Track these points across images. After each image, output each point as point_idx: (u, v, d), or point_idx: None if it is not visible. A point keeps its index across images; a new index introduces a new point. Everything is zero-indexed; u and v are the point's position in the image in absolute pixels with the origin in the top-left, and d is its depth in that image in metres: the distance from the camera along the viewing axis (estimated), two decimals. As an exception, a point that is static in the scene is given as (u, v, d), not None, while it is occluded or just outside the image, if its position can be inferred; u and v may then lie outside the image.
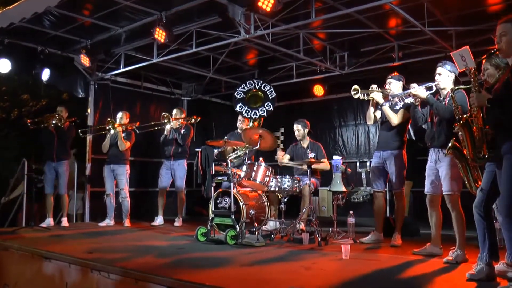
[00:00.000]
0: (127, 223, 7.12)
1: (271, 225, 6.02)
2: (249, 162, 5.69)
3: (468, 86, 3.17)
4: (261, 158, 5.82)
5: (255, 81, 7.14)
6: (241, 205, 5.29)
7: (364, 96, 5.06)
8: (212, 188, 5.53)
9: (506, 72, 2.96)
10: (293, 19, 6.15)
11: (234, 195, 5.27)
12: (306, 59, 7.59)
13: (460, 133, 3.23)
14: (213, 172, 5.61)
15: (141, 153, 8.21)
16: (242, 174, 5.58)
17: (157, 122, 7.45)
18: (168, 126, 7.20)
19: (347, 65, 7.89)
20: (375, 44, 7.40)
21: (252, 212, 5.29)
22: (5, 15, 5.89)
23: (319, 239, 4.93)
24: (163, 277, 3.28)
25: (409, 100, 4.46)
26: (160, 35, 6.23)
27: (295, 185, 5.62)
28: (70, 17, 6.45)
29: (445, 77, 4.17)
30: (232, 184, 5.28)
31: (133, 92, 9.05)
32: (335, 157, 6.05)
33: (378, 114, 5.23)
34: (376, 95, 5.01)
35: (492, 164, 3.08)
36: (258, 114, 6.88)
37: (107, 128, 7.15)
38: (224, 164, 5.67)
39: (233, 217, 5.16)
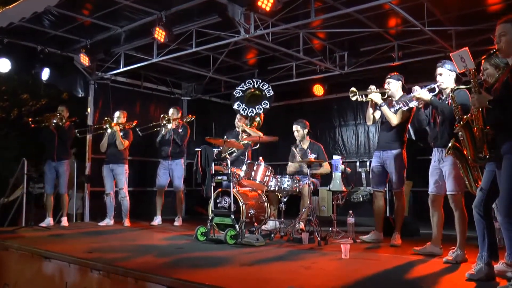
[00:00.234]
0: (126, 222, 7.13)
1: (270, 224, 6.02)
2: (248, 161, 5.69)
3: (468, 86, 3.17)
4: (260, 158, 5.82)
5: (254, 80, 7.16)
6: (240, 204, 5.30)
7: (362, 98, 5.05)
8: (212, 187, 5.54)
9: (505, 72, 2.96)
10: (293, 18, 6.15)
11: (233, 195, 5.28)
12: (306, 58, 7.59)
13: (460, 133, 3.23)
14: (213, 172, 5.62)
15: (139, 152, 8.20)
16: (242, 173, 5.58)
17: (157, 122, 7.43)
18: (167, 126, 7.20)
19: (347, 65, 7.89)
20: (375, 44, 7.40)
21: (252, 212, 5.29)
22: (5, 15, 5.89)
23: (318, 238, 4.93)
24: (162, 276, 3.27)
25: (413, 103, 4.45)
26: (160, 34, 6.23)
27: (295, 185, 5.62)
28: (70, 16, 6.45)
29: (446, 76, 4.16)
30: (231, 183, 5.28)
31: (133, 92, 9.05)
32: (335, 157, 6.04)
33: (378, 114, 5.22)
34: (375, 96, 5.01)
35: (493, 163, 3.08)
36: (254, 112, 6.90)
37: (104, 127, 7.15)
38: (224, 163, 5.67)
39: (232, 216, 5.17)
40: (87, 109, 8.24)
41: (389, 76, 5.11)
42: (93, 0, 6.13)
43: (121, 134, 7.14)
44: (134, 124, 7.30)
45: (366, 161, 8.46)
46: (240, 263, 3.91)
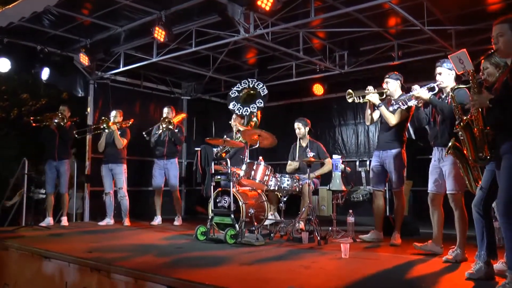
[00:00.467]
0: (126, 222, 7.13)
1: (270, 218, 5.99)
2: (248, 161, 5.69)
3: (468, 85, 3.17)
4: (260, 157, 5.82)
5: (249, 80, 7.18)
6: (240, 204, 5.30)
7: (359, 99, 5.05)
8: (212, 187, 5.54)
9: (505, 72, 2.96)
10: (293, 18, 6.14)
11: (233, 194, 5.28)
12: (306, 58, 7.59)
13: (460, 133, 3.24)
14: (213, 171, 5.62)
15: (137, 152, 8.18)
16: (242, 173, 5.58)
17: (159, 123, 7.43)
18: (160, 127, 7.22)
19: (347, 64, 7.89)
20: (375, 43, 7.40)
21: (252, 211, 5.29)
22: (5, 14, 5.88)
23: (318, 238, 4.93)
24: (162, 276, 3.28)
25: (412, 102, 4.46)
26: (159, 34, 6.23)
27: (295, 184, 5.62)
28: (70, 16, 6.45)
29: (445, 75, 4.16)
30: (231, 183, 5.28)
31: (133, 91, 9.06)
32: (335, 156, 6.05)
33: (376, 114, 5.22)
34: (372, 96, 5.00)
35: (493, 163, 3.08)
36: (249, 111, 6.91)
37: (102, 127, 7.15)
38: (224, 163, 5.67)
39: (232, 216, 5.17)
40: (87, 109, 8.25)
41: (387, 75, 5.11)
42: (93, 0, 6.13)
43: (118, 133, 7.14)
44: (130, 122, 7.31)
45: (366, 161, 8.47)
46: (240, 262, 3.91)
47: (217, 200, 5.46)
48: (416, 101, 4.34)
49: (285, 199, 5.56)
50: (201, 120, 10.25)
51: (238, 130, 6.70)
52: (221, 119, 9.85)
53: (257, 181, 5.52)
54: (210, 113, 10.23)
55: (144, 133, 7.29)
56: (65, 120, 7.00)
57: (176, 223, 7.21)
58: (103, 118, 7.27)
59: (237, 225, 5.08)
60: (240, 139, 6.36)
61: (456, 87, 3.80)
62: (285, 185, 5.59)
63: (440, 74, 4.18)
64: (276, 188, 5.63)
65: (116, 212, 7.29)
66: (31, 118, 7.13)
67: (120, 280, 3.57)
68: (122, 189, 7.18)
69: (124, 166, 7.24)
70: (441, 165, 4.13)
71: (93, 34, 7.23)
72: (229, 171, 5.34)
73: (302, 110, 9.31)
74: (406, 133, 5.20)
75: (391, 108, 4.89)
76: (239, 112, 7.05)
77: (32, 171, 7.76)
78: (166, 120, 7.20)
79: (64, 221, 7.11)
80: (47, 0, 5.50)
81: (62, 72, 7.85)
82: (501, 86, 2.89)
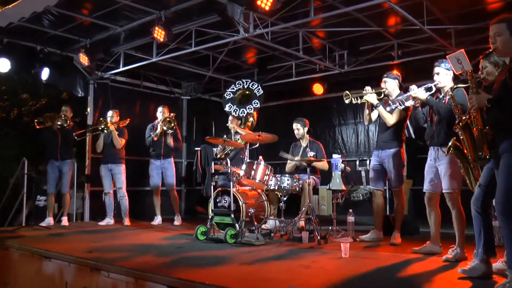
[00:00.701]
0: (126, 222, 7.14)
1: (270, 223, 6.02)
2: (248, 160, 5.69)
3: (467, 85, 3.17)
4: (260, 157, 5.82)
5: (243, 81, 7.18)
6: (240, 204, 5.30)
7: (357, 100, 5.05)
8: (212, 187, 5.54)
9: (503, 71, 2.96)
10: (292, 17, 6.14)
11: (233, 194, 5.28)
12: (306, 57, 7.59)
13: (459, 132, 3.24)
14: (213, 171, 5.62)
15: (136, 152, 8.19)
16: (242, 172, 5.58)
17: (153, 124, 7.43)
18: (158, 127, 7.22)
19: (347, 64, 7.89)
20: (375, 43, 7.40)
21: (252, 211, 5.29)
22: (4, 15, 5.88)
23: (318, 237, 4.93)
24: (162, 276, 3.28)
25: (409, 102, 4.47)
26: (159, 34, 6.23)
27: (295, 184, 5.63)
28: (69, 16, 6.45)
29: (443, 75, 4.17)
30: (231, 183, 5.28)
31: (133, 91, 9.06)
32: (335, 156, 6.04)
33: (375, 114, 5.22)
34: (369, 97, 5.00)
35: (492, 161, 3.08)
36: (246, 112, 6.91)
37: (100, 128, 7.15)
38: (224, 163, 5.67)
39: (232, 216, 5.17)
40: (87, 109, 8.25)
41: (385, 75, 5.12)
42: (93, 0, 6.13)
43: (116, 133, 7.15)
44: (127, 122, 7.32)
45: (366, 160, 8.46)
46: (240, 262, 3.91)
47: (217, 200, 5.46)
48: (413, 101, 4.35)
49: (285, 198, 5.57)
50: (201, 120, 10.25)
51: (236, 132, 6.70)
52: (221, 118, 9.82)
53: (257, 180, 5.52)
54: (210, 113, 10.23)
55: (152, 133, 7.28)
56: (68, 121, 7.01)
57: (176, 222, 7.21)
58: (101, 119, 7.29)
59: (237, 225, 5.08)
60: (239, 140, 6.36)
61: (455, 86, 3.80)
62: (285, 184, 5.60)
63: (438, 74, 4.19)
64: (276, 188, 5.63)
65: (116, 212, 7.30)
66: (35, 120, 7.11)
67: (120, 280, 3.57)
68: (121, 189, 7.18)
69: (123, 166, 7.25)
70: (437, 165, 4.15)
71: (93, 34, 7.23)
72: (229, 171, 5.34)
73: (302, 110, 9.31)
74: (405, 132, 5.21)
75: (388, 108, 4.90)
76: (235, 113, 7.05)
77: (32, 171, 7.76)
78: (168, 120, 7.21)
79: (65, 221, 7.12)
80: (47, 0, 5.51)
81: (62, 72, 7.85)
82: (499, 86, 2.89)
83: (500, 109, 2.83)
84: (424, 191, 4.29)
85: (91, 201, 8.06)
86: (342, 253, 4.09)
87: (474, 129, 3.10)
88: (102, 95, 8.38)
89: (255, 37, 6.63)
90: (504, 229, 2.80)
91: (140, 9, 6.25)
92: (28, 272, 4.63)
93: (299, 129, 6.45)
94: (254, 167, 5.54)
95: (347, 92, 5.02)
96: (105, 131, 7.14)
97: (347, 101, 5.05)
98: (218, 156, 6.75)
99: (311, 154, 6.16)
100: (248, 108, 6.93)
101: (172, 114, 7.31)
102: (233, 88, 7.20)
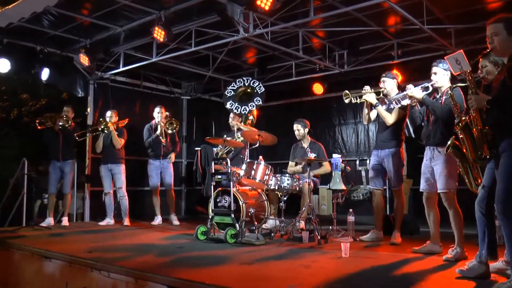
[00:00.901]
0: (126, 221, 7.14)
1: (270, 223, 6.03)
2: (248, 160, 5.70)
3: (465, 84, 3.18)
4: (260, 157, 5.83)
5: (244, 78, 7.18)
6: (240, 203, 5.30)
7: (356, 99, 5.05)
8: (212, 186, 5.54)
9: (502, 71, 2.96)
10: (292, 17, 6.14)
11: (233, 194, 5.28)
12: (305, 57, 7.59)
13: (459, 133, 3.24)
14: (213, 171, 5.62)
15: (136, 152, 8.18)
16: (242, 172, 5.58)
17: (151, 124, 7.46)
18: (159, 127, 7.23)
19: (346, 63, 7.88)
20: (374, 42, 7.40)
21: (252, 211, 5.30)
22: (4, 15, 5.88)
23: (319, 237, 4.93)
24: (163, 276, 3.28)
25: (405, 101, 4.49)
26: (159, 34, 6.23)
27: (295, 184, 5.63)
28: (69, 16, 6.44)
29: (440, 75, 4.18)
30: (231, 182, 5.28)
31: (133, 91, 9.06)
32: (335, 156, 6.06)
33: (374, 114, 5.23)
34: (369, 96, 5.01)
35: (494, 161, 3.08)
36: (248, 110, 6.91)
37: (100, 128, 7.15)
38: (224, 162, 5.67)
39: (232, 215, 5.17)
40: (87, 109, 8.25)
41: (383, 74, 5.13)
42: (92, 0, 6.13)
43: (116, 133, 7.15)
44: (126, 122, 7.34)
45: (366, 160, 8.45)
46: (240, 262, 3.91)
47: (218, 200, 5.46)
48: (410, 100, 4.36)
49: (285, 198, 5.57)
50: (201, 120, 10.25)
51: (239, 129, 6.69)
52: (221, 118, 9.86)
53: (257, 180, 5.52)
54: (210, 113, 10.23)
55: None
56: (69, 121, 7.01)
57: (175, 222, 7.22)
58: (100, 119, 7.30)
59: (237, 225, 5.08)
60: (241, 138, 6.36)
61: (455, 86, 3.81)
62: (285, 184, 5.60)
63: (435, 73, 4.20)
64: (276, 188, 5.63)
65: (116, 212, 7.30)
66: (36, 121, 7.11)
67: (121, 280, 3.58)
68: (121, 189, 7.19)
69: (123, 166, 7.25)
70: (432, 165, 4.17)
71: (93, 34, 7.23)
72: (229, 171, 5.34)
73: (302, 110, 9.33)
74: (404, 131, 5.22)
75: (384, 107, 4.91)
76: (237, 111, 7.06)
77: (32, 171, 7.77)
78: (170, 121, 7.22)
79: (65, 221, 7.12)
80: (47, 0, 5.51)
81: (62, 72, 7.85)
82: (498, 86, 2.89)
83: (500, 109, 2.83)
84: (421, 190, 4.30)
85: (91, 201, 8.06)
86: (343, 253, 4.09)
87: (474, 129, 3.10)
88: (102, 95, 8.38)
89: (255, 37, 6.63)
90: (505, 229, 2.81)
91: (140, 9, 6.25)
92: (29, 272, 4.63)
93: (299, 129, 6.45)
94: (254, 167, 5.54)
95: (347, 91, 5.03)
96: (105, 131, 7.14)
97: (347, 101, 5.05)
98: (219, 155, 6.74)
99: (311, 155, 6.17)
100: (250, 106, 6.92)
101: (168, 114, 7.32)
102: (234, 86, 7.19)
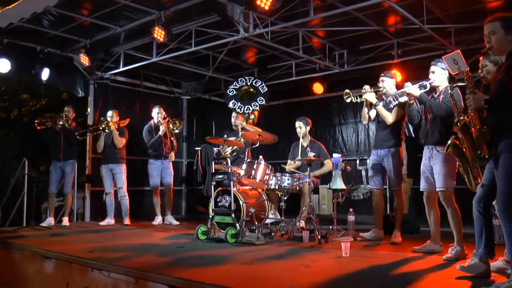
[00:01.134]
0: (127, 221, 7.14)
1: (271, 217, 6.00)
2: (248, 160, 5.69)
3: (464, 84, 3.18)
4: (260, 156, 5.83)
5: (246, 78, 7.17)
6: (241, 203, 5.30)
7: (357, 99, 5.06)
8: (212, 186, 5.54)
9: (500, 70, 2.96)
10: (292, 17, 6.15)
11: (234, 194, 5.28)
12: (305, 57, 7.60)
13: (458, 133, 3.24)
14: (213, 171, 5.62)
15: (136, 152, 8.19)
16: (242, 172, 5.58)
17: (152, 124, 7.46)
18: (162, 127, 7.23)
19: (346, 63, 7.89)
20: (374, 42, 7.41)
21: (252, 210, 5.30)
22: (4, 15, 5.89)
23: (319, 237, 4.94)
24: (163, 275, 3.28)
25: (403, 99, 4.49)
26: (159, 34, 6.23)
27: (295, 183, 5.63)
28: (69, 16, 6.45)
29: (438, 74, 4.19)
30: (232, 182, 5.29)
31: (133, 91, 9.07)
32: (335, 155, 6.05)
33: (373, 113, 5.23)
34: (369, 95, 5.02)
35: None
36: (251, 109, 6.90)
37: (101, 128, 7.16)
38: (224, 162, 5.67)
39: (233, 215, 5.17)
40: (87, 109, 8.26)
41: (382, 74, 5.15)
42: (92, 0, 6.13)
43: (117, 133, 7.16)
44: (127, 121, 7.36)
45: (366, 159, 8.45)
46: (241, 261, 3.91)
47: (218, 200, 5.47)
48: (407, 98, 4.38)
49: (285, 198, 5.57)
50: (201, 119, 10.25)
51: (243, 128, 6.67)
52: (221, 118, 9.85)
53: (257, 180, 5.52)
54: (210, 113, 10.23)
55: (158, 133, 7.31)
56: (70, 121, 7.02)
57: (174, 222, 7.22)
58: (102, 119, 7.30)
59: (237, 224, 5.08)
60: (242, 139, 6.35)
61: (454, 85, 3.81)
62: (285, 184, 5.60)
63: (433, 72, 4.22)
64: (277, 187, 5.63)
65: (116, 212, 7.30)
66: (36, 121, 7.11)
67: (121, 280, 3.58)
68: (122, 188, 7.20)
69: (124, 166, 7.27)
70: (431, 164, 4.17)
71: (93, 34, 7.23)
72: (230, 171, 5.35)
73: (302, 109, 9.32)
74: (404, 131, 5.22)
75: (382, 103, 4.92)
76: (240, 110, 7.04)
77: (33, 171, 7.77)
78: (171, 121, 7.22)
79: (66, 221, 7.12)
80: (47, 0, 5.51)
81: (62, 72, 7.85)
82: (496, 85, 2.89)
83: (498, 108, 2.83)
84: (421, 190, 4.31)
85: (91, 201, 8.07)
86: (343, 252, 4.09)
87: (473, 129, 3.10)
88: (102, 95, 8.39)
89: (255, 37, 6.63)
90: (505, 228, 2.81)
91: (140, 9, 6.25)
92: (29, 272, 4.63)
93: (301, 127, 6.43)
94: (255, 166, 5.54)
95: (347, 91, 5.03)
96: (106, 130, 7.15)
97: (348, 100, 5.05)
98: (223, 155, 6.72)
99: (311, 154, 6.16)
100: (253, 105, 6.90)
101: (165, 114, 7.35)
102: (235, 85, 7.18)
